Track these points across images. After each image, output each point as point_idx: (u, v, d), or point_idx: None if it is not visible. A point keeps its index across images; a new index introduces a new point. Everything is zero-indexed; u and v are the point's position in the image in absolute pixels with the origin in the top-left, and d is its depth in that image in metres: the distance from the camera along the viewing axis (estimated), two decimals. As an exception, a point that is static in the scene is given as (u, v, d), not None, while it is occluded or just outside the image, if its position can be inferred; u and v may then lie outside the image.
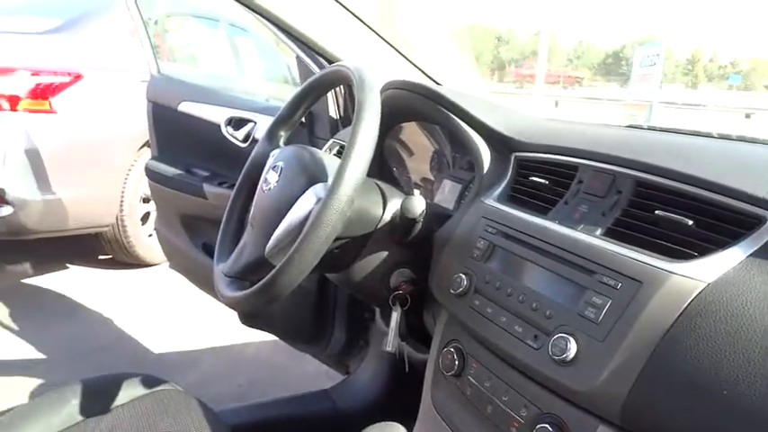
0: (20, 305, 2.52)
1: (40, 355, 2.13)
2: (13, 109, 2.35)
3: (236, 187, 0.90)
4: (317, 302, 1.44)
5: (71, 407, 0.95)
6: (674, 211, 0.52)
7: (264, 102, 2.85)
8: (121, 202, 2.80)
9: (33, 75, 2.40)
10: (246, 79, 3.53)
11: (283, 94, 3.88)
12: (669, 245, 0.50)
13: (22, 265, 2.97)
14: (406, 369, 0.85)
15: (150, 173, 1.82)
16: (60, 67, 2.53)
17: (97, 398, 0.98)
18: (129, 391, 0.99)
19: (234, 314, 1.59)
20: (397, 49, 1.07)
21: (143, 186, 2.92)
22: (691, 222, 0.50)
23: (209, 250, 1.73)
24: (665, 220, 0.52)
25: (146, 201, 2.98)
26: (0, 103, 2.33)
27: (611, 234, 0.55)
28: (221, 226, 0.89)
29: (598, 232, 0.56)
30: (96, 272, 2.95)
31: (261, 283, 0.67)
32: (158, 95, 1.84)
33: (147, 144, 2.85)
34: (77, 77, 2.57)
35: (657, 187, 0.55)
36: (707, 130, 0.69)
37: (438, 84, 1.07)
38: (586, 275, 0.53)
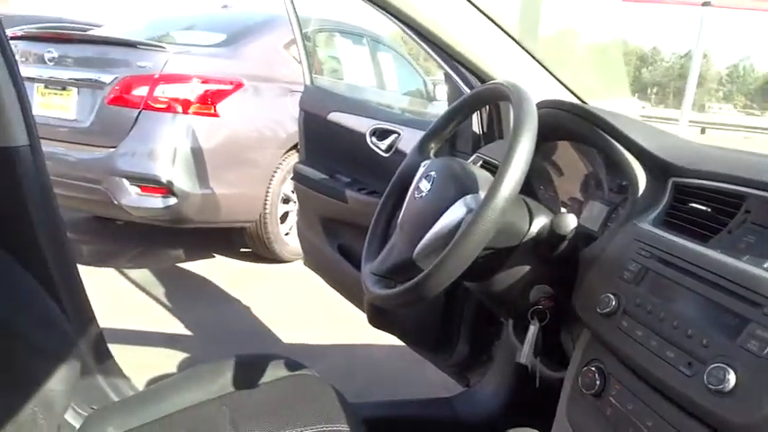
0: (172, 285, 2.83)
1: (187, 332, 2.37)
2: (185, 112, 2.65)
3: (385, 192, 0.96)
4: (445, 313, 1.47)
5: (225, 378, 1.07)
6: None
7: (403, 114, 2.96)
8: (265, 201, 3.04)
9: (203, 82, 2.70)
10: (386, 93, 3.68)
11: (418, 107, 4.00)
12: None
13: (177, 251, 3.32)
14: (537, 384, 0.85)
15: (297, 175, 1.96)
16: (225, 76, 2.81)
17: (247, 373, 1.09)
18: (274, 372, 1.09)
19: (360, 315, 1.68)
20: (545, 67, 1.09)
21: (284, 188, 3.16)
22: None
23: (344, 251, 1.84)
24: None
25: (285, 201, 3.21)
26: (175, 107, 2.64)
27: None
28: (370, 227, 0.96)
29: (766, 265, 0.54)
30: (237, 263, 3.22)
31: (411, 282, 0.71)
32: (310, 105, 1.99)
33: (292, 148, 3.08)
34: (239, 86, 2.84)
35: None
36: None
37: (584, 102, 1.06)
38: (751, 307, 0.51)
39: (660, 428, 0.56)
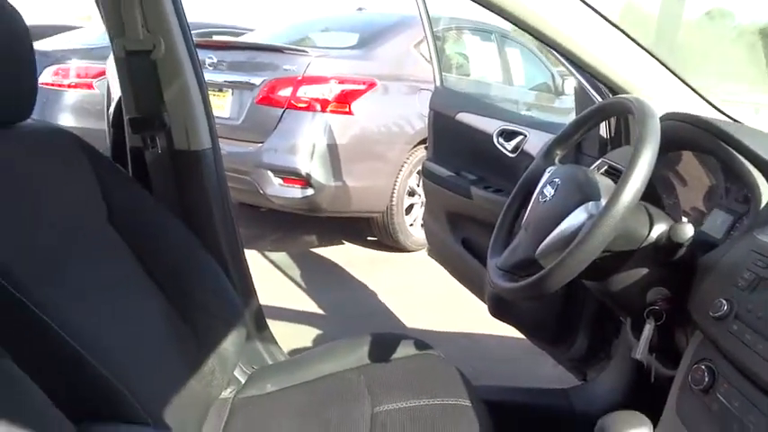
0: (307, 268, 3.11)
1: (320, 312, 2.61)
2: (323, 110, 2.89)
3: (512, 194, 1.05)
4: (565, 308, 1.53)
5: (362, 352, 1.23)
6: None
7: (528, 111, 2.98)
8: (392, 193, 3.21)
9: (340, 83, 2.92)
10: (513, 88, 3.71)
11: (545, 102, 3.97)
12: None
13: (311, 237, 3.62)
14: (652, 379, 0.91)
15: (425, 171, 2.09)
16: (359, 76, 3.02)
17: (380, 349, 1.23)
18: (404, 349, 1.23)
19: (480, 305, 1.77)
20: (676, 75, 1.11)
21: (410, 181, 3.31)
22: None
23: (468, 245, 1.94)
24: None
25: (410, 194, 3.36)
26: (315, 106, 2.88)
27: None
28: (496, 225, 1.05)
29: None
30: (365, 250, 3.44)
31: (533, 278, 0.81)
32: (439, 105, 2.11)
33: (418, 143, 3.23)
34: (371, 85, 3.03)
35: None
36: None
37: (721, 111, 1.07)
38: None
39: (763, 426, 0.61)
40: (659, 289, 0.86)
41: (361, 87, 2.99)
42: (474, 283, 1.97)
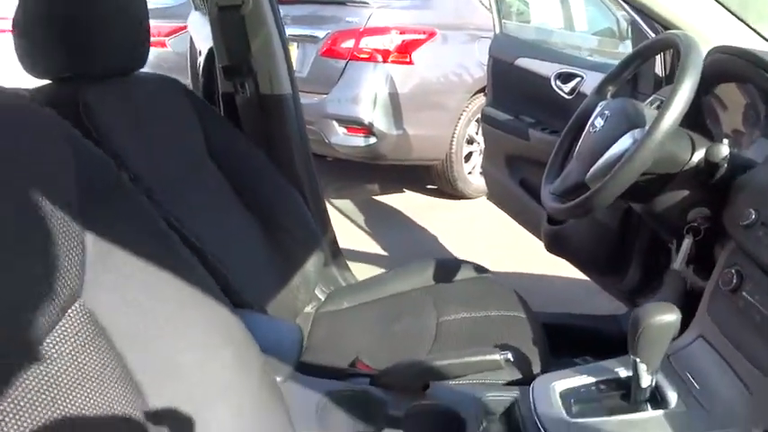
0: (370, 215, 3.27)
1: (384, 253, 2.78)
2: (385, 61, 2.98)
3: (566, 128, 1.15)
4: (618, 240, 1.61)
5: (428, 274, 1.38)
6: None
7: (590, 57, 2.97)
8: (451, 141, 3.30)
9: (401, 33, 3.00)
10: (574, 34, 3.65)
11: (608, 47, 3.89)
12: None
13: (373, 186, 3.77)
14: (688, 287, 1.00)
15: (485, 117, 2.18)
16: (419, 26, 3.08)
17: (444, 272, 1.38)
18: (465, 272, 1.37)
19: (538, 248, 1.88)
20: (729, 10, 1.15)
21: (469, 129, 3.38)
22: None
23: (526, 185, 2.03)
24: None
25: (469, 142, 3.44)
26: (376, 57, 2.98)
27: None
28: (550, 157, 1.15)
29: None
30: (425, 197, 3.57)
31: (582, 197, 0.92)
32: (499, 52, 2.16)
33: (477, 92, 3.28)
34: (431, 35, 3.09)
35: None
36: None
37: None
38: None
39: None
40: (700, 209, 0.95)
41: (422, 37, 3.06)
42: (531, 223, 2.07)
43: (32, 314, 0.43)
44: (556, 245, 1.80)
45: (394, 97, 3.02)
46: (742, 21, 1.12)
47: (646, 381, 0.79)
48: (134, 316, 0.53)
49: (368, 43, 2.98)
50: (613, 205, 1.49)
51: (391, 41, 2.99)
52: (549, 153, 1.34)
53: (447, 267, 1.39)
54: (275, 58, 1.29)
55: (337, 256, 1.56)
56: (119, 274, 0.52)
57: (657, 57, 1.39)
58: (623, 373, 0.86)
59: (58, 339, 0.46)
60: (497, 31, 2.24)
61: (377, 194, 3.63)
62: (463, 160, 3.41)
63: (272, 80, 1.30)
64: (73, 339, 0.47)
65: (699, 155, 0.91)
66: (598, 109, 1.05)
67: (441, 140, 3.27)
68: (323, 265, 1.42)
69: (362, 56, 3.00)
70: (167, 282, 0.55)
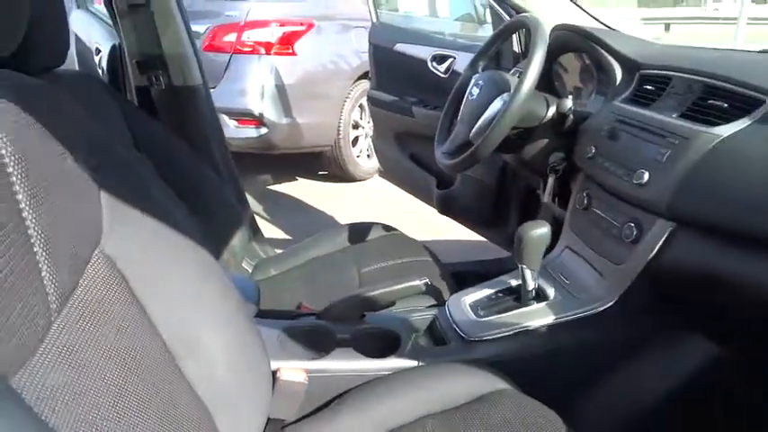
0: (267, 203, 3.37)
1: (287, 236, 2.91)
2: (268, 53, 3.09)
3: (449, 99, 1.37)
4: (497, 195, 1.89)
5: (343, 238, 1.55)
6: (719, 99, 0.87)
7: (456, 41, 3.27)
8: (338, 126, 3.48)
9: (281, 25, 3.12)
10: (439, 20, 3.97)
11: (470, 31, 4.27)
12: (711, 119, 0.87)
13: (266, 176, 3.86)
14: (554, 216, 1.28)
15: (371, 99, 2.38)
16: (298, 18, 3.21)
17: (357, 234, 1.56)
18: (376, 233, 1.57)
19: (426, 217, 2.11)
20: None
21: (353, 114, 3.59)
22: (726, 105, 0.86)
23: (415, 159, 2.27)
24: (713, 105, 0.88)
25: (354, 127, 3.64)
26: (259, 49, 3.08)
27: (682, 116, 0.91)
28: (438, 124, 1.38)
29: (674, 115, 0.93)
30: (318, 183, 3.73)
31: (469, 151, 1.14)
32: (378, 39, 2.37)
33: (358, 78, 3.48)
34: (310, 26, 3.24)
35: (716, 87, 0.90)
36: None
37: (600, 22, 1.41)
38: (661, 138, 0.91)
39: (616, 215, 0.98)
40: (557, 153, 1.22)
41: (302, 29, 3.20)
42: (423, 192, 2.31)
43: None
44: (446, 207, 2.05)
45: (281, 88, 3.14)
46: (575, 4, 1.42)
47: (531, 283, 1.03)
48: (146, 262, 0.66)
49: (250, 36, 3.07)
50: (491, 165, 1.78)
51: (272, 34, 3.10)
52: (432, 127, 1.56)
53: (359, 229, 1.57)
54: (185, 51, 1.39)
55: (257, 231, 1.69)
56: (133, 226, 0.65)
57: (514, 37, 1.66)
58: (514, 282, 1.10)
59: (87, 283, 0.58)
60: (374, 20, 2.45)
61: (271, 184, 3.73)
62: (351, 144, 3.61)
63: (183, 72, 1.40)
64: (98, 280, 0.60)
65: (552, 110, 1.18)
66: (473, 80, 1.29)
67: (328, 127, 3.44)
68: (247, 240, 1.54)
69: (246, 49, 3.08)
70: (172, 232, 0.69)
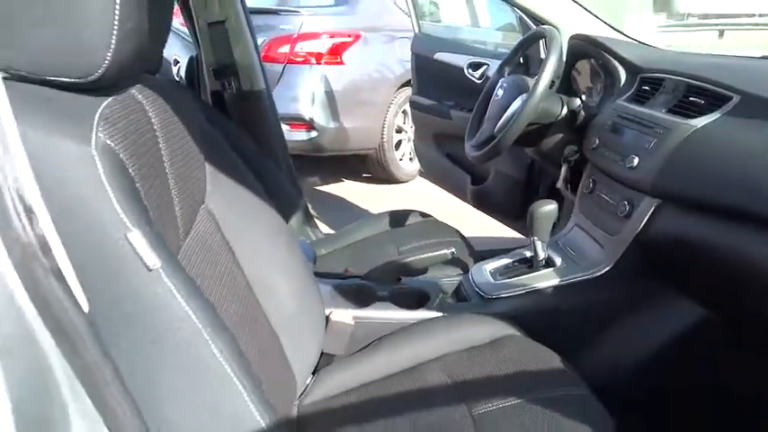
0: (316, 203, 3.62)
1: (332, 232, 3.15)
2: (318, 63, 3.36)
3: (478, 100, 1.57)
4: (526, 191, 2.07)
5: (384, 222, 1.77)
6: (698, 96, 1.05)
7: (494, 49, 3.46)
8: (382, 131, 3.72)
9: (331, 37, 3.38)
10: (480, 30, 4.17)
11: (511, 41, 4.44)
12: (690, 113, 1.04)
13: (315, 178, 4.12)
14: (568, 198, 1.46)
15: (413, 103, 2.60)
16: (346, 30, 3.47)
17: (397, 219, 1.77)
18: (414, 218, 1.78)
19: (462, 213, 2.30)
20: (585, 9, 1.62)
21: (397, 120, 3.81)
22: (702, 101, 1.03)
23: (452, 158, 2.47)
24: (693, 102, 1.05)
25: (398, 131, 3.86)
26: (310, 59, 3.35)
27: (669, 111, 1.09)
28: (468, 122, 1.58)
29: (663, 110, 1.10)
30: (362, 185, 3.96)
31: (492, 143, 1.34)
32: (420, 48, 2.59)
33: (401, 86, 3.71)
34: (357, 37, 3.49)
35: (695, 86, 1.07)
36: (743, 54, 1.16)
37: (615, 30, 1.59)
38: (650, 129, 1.08)
39: (613, 194, 1.16)
40: (571, 146, 1.40)
41: (349, 40, 3.45)
42: (459, 189, 2.51)
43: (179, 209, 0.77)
44: (479, 201, 2.25)
45: (329, 94, 3.39)
46: (592, 14, 1.60)
47: (541, 253, 1.22)
48: (234, 218, 0.89)
49: (302, 47, 3.34)
50: (520, 161, 1.96)
51: (323, 45, 3.36)
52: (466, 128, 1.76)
53: (398, 215, 1.79)
54: (253, 61, 1.65)
55: (310, 218, 1.93)
56: (226, 190, 0.89)
57: (541, 44, 1.85)
58: (528, 254, 1.29)
59: (196, 227, 0.81)
60: (417, 31, 2.67)
61: (319, 185, 3.99)
62: (394, 148, 3.83)
63: (251, 78, 1.65)
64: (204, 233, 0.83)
65: (566, 109, 1.36)
66: (499, 84, 1.49)
67: (373, 131, 3.67)
68: (302, 223, 1.78)
69: (298, 59, 3.35)
70: (253, 197, 0.92)
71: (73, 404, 0.43)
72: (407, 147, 3.92)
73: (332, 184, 3.98)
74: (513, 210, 2.15)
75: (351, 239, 1.74)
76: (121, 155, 0.57)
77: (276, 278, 0.95)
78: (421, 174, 2.84)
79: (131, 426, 0.49)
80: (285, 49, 3.36)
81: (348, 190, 3.85)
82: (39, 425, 0.41)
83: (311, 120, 3.35)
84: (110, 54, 0.55)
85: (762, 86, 0.98)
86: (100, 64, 0.55)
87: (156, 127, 0.71)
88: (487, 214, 2.31)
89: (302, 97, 3.34)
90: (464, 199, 2.50)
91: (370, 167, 3.92)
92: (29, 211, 0.42)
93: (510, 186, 2.07)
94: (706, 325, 1.11)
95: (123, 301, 0.54)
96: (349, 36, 3.47)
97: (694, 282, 1.09)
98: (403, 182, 3.94)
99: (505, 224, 2.30)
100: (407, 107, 3.80)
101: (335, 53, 3.39)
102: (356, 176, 4.06)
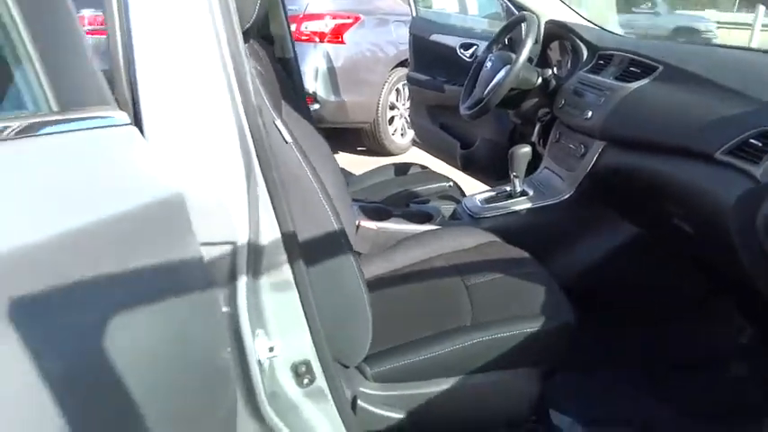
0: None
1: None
2: (322, 41, 3.68)
3: (471, 70, 1.94)
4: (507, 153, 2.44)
5: (389, 171, 2.12)
6: (635, 67, 1.42)
7: (481, 32, 3.81)
8: (377, 106, 4.06)
9: (333, 18, 3.70)
10: (468, 17, 4.52)
11: (496, 27, 4.80)
12: (630, 79, 1.41)
13: (312, 149, 4.44)
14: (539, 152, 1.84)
15: (410, 78, 2.94)
16: (347, 11, 3.80)
17: (400, 170, 2.13)
18: (414, 170, 2.14)
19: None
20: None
21: (390, 97, 4.15)
22: (639, 71, 1.40)
23: (444, 127, 2.83)
24: (632, 71, 1.43)
25: (391, 108, 4.21)
26: (314, 38, 3.67)
27: (616, 78, 1.46)
28: (463, 90, 1.94)
29: (611, 78, 1.47)
30: (357, 156, 4.30)
31: (482, 103, 1.70)
32: (417, 30, 2.94)
33: (395, 66, 4.05)
34: (357, 19, 3.82)
35: (634, 59, 1.45)
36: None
37: (582, 17, 1.96)
38: (601, 91, 1.45)
39: (574, 141, 1.54)
40: (544, 109, 1.77)
41: (350, 21, 3.78)
42: (450, 155, 2.86)
43: None
44: (467, 164, 2.61)
45: (331, 71, 3.73)
46: (564, 3, 1.97)
47: (518, 186, 1.60)
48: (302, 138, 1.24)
49: (307, 27, 3.66)
50: (502, 128, 2.33)
51: (326, 25, 3.69)
52: (458, 99, 2.12)
53: (402, 166, 2.15)
54: (285, 32, 1.98)
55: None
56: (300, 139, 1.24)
57: (522, 27, 2.21)
58: (508, 188, 1.66)
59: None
60: (414, 14, 3.01)
61: (317, 156, 4.32)
62: (387, 123, 4.18)
63: (283, 47, 1.99)
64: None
65: (541, 79, 1.73)
66: (487, 58, 1.85)
67: (369, 106, 4.01)
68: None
69: (303, 38, 3.67)
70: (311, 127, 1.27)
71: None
72: (400, 122, 4.27)
73: (329, 156, 4.30)
74: (496, 171, 2.52)
75: (361, 185, 2.10)
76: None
77: (328, 187, 1.30)
78: (414, 143, 3.18)
79: None
80: (292, 27, 3.66)
81: (343, 161, 4.15)
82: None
83: (314, 93, 3.68)
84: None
85: (680, 60, 1.36)
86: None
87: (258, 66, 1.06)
88: (474, 177, 2.68)
89: (307, 72, 3.66)
90: (453, 164, 2.85)
91: (365, 141, 4.26)
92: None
93: (494, 150, 2.43)
94: (639, 240, 1.49)
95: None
96: (349, 18, 3.80)
97: (628, 205, 1.47)
98: (395, 155, 4.29)
99: (489, 185, 2.66)
100: (400, 86, 4.15)
101: (337, 33, 3.71)
102: (352, 149, 4.40)
